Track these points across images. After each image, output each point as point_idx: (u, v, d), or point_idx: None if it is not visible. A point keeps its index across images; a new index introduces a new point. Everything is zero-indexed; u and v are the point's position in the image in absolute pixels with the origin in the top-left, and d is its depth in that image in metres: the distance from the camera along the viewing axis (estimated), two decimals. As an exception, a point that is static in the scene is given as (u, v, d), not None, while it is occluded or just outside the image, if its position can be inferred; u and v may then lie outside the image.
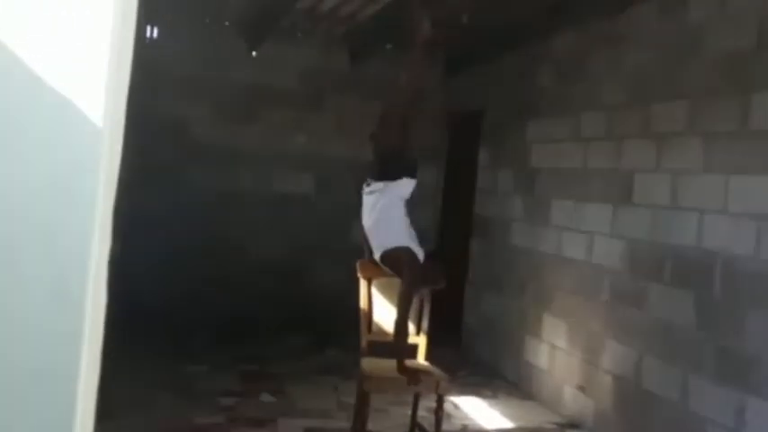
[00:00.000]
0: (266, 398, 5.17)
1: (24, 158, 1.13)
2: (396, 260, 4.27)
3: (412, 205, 8.06)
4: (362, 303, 4.65)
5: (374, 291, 4.67)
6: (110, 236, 1.31)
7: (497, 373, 6.27)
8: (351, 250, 6.89)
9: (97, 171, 1.17)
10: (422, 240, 4.56)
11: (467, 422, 5.04)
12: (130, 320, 6.54)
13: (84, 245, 1.17)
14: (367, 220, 4.39)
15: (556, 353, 5.53)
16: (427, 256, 4.49)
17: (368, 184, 4.43)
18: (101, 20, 1.15)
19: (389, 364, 4.44)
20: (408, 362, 4.49)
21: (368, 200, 4.42)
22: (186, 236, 7.28)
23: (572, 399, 5.26)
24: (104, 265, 1.29)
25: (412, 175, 4.48)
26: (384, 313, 4.67)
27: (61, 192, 1.15)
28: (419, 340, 4.67)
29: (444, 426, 4.50)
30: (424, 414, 4.71)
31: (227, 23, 7.40)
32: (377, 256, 4.36)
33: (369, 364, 4.39)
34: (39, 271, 1.16)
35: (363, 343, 4.56)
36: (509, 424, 5.08)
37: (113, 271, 5.34)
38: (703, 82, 4.24)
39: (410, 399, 4.71)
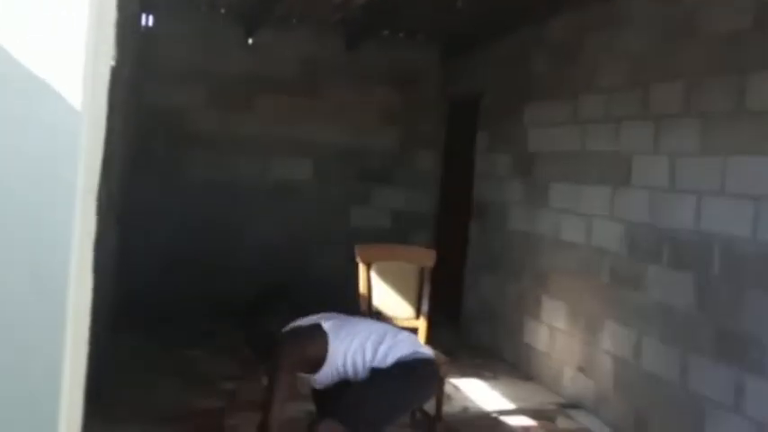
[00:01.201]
0: (266, 382, 5.18)
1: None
2: None
3: (411, 191, 8.07)
4: (362, 288, 4.67)
5: (373, 275, 4.69)
6: (94, 223, 1.30)
7: (497, 356, 6.31)
8: (350, 236, 6.92)
9: (77, 155, 1.16)
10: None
11: (467, 404, 5.07)
12: (131, 306, 6.57)
13: (65, 230, 1.15)
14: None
15: (555, 334, 5.56)
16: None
17: None
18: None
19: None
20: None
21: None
22: (185, 223, 7.31)
23: (572, 380, 5.29)
24: (89, 251, 1.28)
25: None
26: (383, 297, 4.69)
27: (39, 176, 1.14)
28: (419, 324, 4.70)
29: (445, 407, 4.54)
30: (425, 397, 4.75)
31: (222, 11, 7.38)
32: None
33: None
34: (16, 258, 1.14)
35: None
36: (510, 405, 5.11)
37: (114, 258, 5.34)
38: (700, 63, 4.24)
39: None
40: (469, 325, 7.03)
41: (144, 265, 7.05)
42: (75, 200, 1.15)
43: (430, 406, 4.54)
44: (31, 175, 1.13)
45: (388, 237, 7.56)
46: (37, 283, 1.14)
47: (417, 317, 4.71)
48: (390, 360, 3.27)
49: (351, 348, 3.29)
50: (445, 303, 6.71)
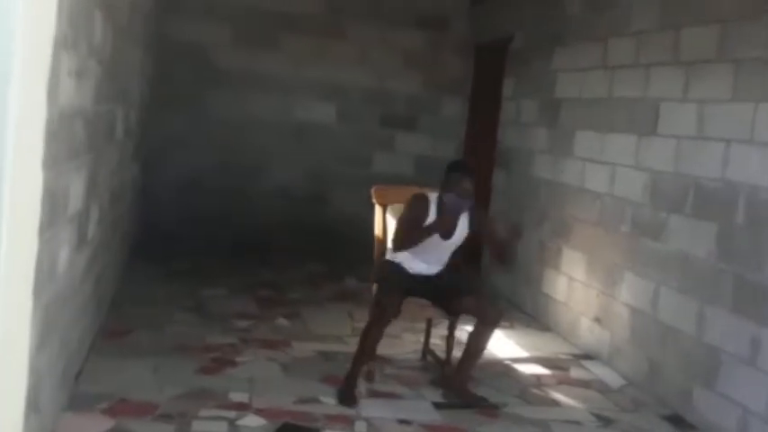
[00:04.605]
0: (281, 322, 5.20)
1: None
2: None
3: (435, 138, 7.95)
4: (377, 230, 4.61)
5: (389, 217, 4.63)
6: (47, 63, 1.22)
7: (515, 305, 6.26)
8: (371, 180, 6.84)
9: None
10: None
11: (480, 351, 5.02)
12: (150, 243, 6.62)
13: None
14: None
15: (574, 285, 5.48)
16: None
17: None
18: None
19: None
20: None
21: None
22: (206, 162, 7.30)
23: (588, 330, 5.22)
24: (40, 84, 1.19)
25: None
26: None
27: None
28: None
29: (457, 353, 4.51)
30: (437, 342, 4.72)
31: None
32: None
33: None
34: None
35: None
36: (523, 354, 5.07)
37: (133, 190, 5.36)
38: (735, 6, 4.05)
39: (423, 326, 4.72)
40: (490, 273, 6.96)
41: (163, 202, 7.08)
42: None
43: (441, 351, 4.52)
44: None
45: (411, 184, 7.47)
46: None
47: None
48: None
49: None
50: (466, 250, 6.64)
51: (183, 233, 6.90)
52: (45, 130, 1.75)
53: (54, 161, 2.56)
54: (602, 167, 5.22)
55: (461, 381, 4.09)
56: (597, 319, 5.12)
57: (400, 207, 4.63)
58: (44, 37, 1.25)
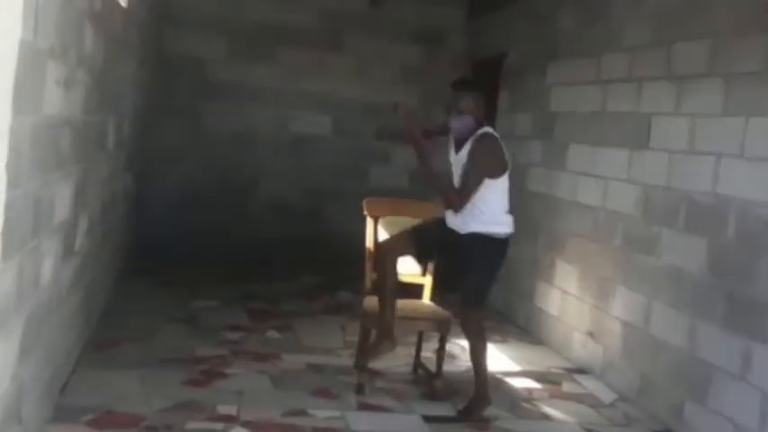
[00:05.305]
0: (272, 334, 5.18)
1: None
2: None
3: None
4: (368, 242, 4.60)
5: (381, 230, 4.63)
6: None
7: (508, 319, 6.23)
8: (367, 193, 6.83)
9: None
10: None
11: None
12: (144, 254, 6.61)
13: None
14: None
15: (567, 299, 5.46)
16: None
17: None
18: None
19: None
20: (412, 302, 4.47)
21: None
22: (202, 174, 7.30)
23: (581, 345, 5.20)
24: None
25: None
26: (390, 253, 4.61)
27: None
28: (425, 281, 4.64)
29: (449, 367, 4.50)
30: (429, 355, 4.70)
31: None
32: None
33: (371, 302, 4.36)
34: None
35: (368, 282, 4.54)
36: (515, 367, 5.05)
37: (126, 202, 5.36)
38: (726, 22, 4.05)
39: (415, 339, 4.70)
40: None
41: (160, 212, 7.07)
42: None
43: (433, 364, 4.49)
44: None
45: (406, 197, 7.47)
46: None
47: (423, 274, 4.64)
48: None
49: None
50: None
51: (178, 245, 6.88)
52: (9, 139, 1.75)
53: (39, 170, 2.56)
54: (595, 181, 5.21)
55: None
56: (590, 334, 5.09)
57: (393, 219, 4.64)
58: (6, 43, 1.24)
